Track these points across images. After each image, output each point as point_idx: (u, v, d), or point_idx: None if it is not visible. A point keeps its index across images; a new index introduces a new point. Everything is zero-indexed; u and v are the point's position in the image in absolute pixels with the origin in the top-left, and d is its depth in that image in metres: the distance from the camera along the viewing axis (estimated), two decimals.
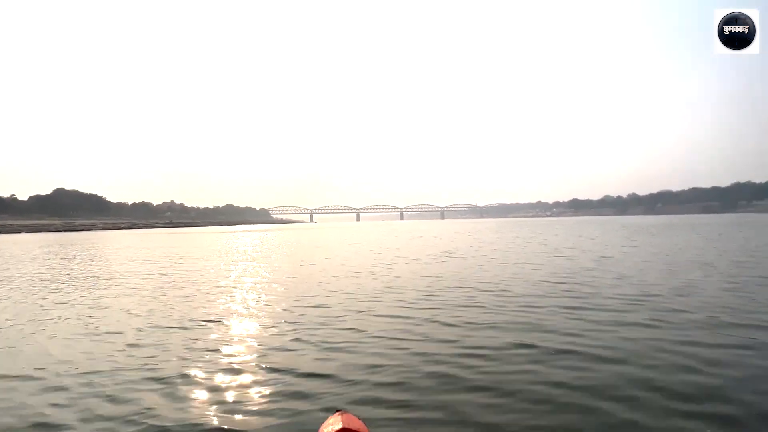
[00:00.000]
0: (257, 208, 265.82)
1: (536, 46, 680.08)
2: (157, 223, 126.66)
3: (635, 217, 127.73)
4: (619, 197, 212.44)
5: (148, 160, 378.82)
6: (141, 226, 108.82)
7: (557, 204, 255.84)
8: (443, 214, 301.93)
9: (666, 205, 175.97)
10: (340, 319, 6.37)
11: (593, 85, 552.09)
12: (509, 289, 8.44)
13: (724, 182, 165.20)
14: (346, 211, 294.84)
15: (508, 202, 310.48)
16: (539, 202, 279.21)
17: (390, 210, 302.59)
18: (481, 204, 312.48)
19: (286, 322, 6.26)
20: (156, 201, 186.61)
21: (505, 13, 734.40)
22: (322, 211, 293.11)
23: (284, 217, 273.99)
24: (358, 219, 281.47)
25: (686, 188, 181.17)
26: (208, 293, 9.01)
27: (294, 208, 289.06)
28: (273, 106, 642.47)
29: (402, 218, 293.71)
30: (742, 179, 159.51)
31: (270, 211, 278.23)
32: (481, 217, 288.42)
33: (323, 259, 16.91)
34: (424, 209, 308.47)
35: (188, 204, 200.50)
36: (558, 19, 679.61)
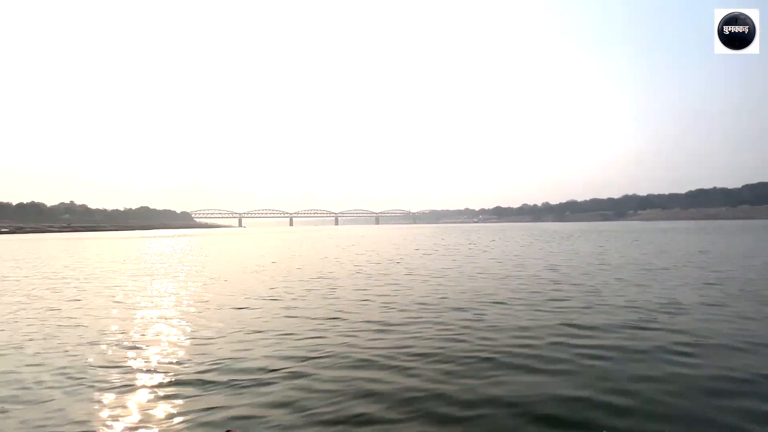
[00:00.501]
0: (178, 211, 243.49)
1: (465, 57, 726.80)
2: (51, 227, 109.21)
3: (548, 223, 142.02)
4: (535, 205, 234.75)
5: (41, 155, 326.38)
6: (28, 230, 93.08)
7: (483, 211, 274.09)
8: (378, 219, 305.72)
9: (573, 213, 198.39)
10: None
11: (517, 103, 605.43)
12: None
13: (618, 194, 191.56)
14: (279, 215, 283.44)
15: (438, 208, 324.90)
16: (467, 209, 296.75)
17: (324, 215, 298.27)
18: (414, 210, 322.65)
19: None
20: (51, 201, 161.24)
21: (444, 25, 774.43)
22: (253, 215, 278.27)
23: (210, 221, 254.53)
24: (291, 224, 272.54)
25: (588, 199, 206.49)
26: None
27: (221, 212, 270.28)
28: (203, 106, 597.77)
29: (337, 223, 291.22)
30: (631, 192, 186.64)
31: (193, 215, 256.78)
32: (414, 222, 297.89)
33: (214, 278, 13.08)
34: (359, 214, 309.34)
35: (94, 205, 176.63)
36: (492, 34, 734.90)
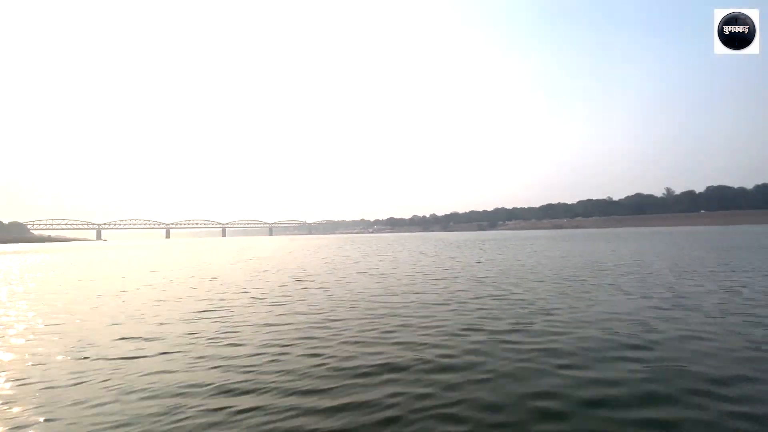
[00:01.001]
0: (5, 222, 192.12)
1: (362, 67, 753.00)
2: None
3: (436, 233, 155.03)
4: (424, 216, 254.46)
5: None
6: None
7: (377, 222, 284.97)
8: (271, 230, 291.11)
9: (456, 223, 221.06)
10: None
11: (407, 119, 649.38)
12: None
13: (491, 207, 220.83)
14: (152, 226, 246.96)
15: (335, 218, 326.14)
16: (363, 220, 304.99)
17: (210, 225, 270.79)
18: (310, 220, 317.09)
19: None
20: None
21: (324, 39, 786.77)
22: (117, 226, 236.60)
23: (55, 233, 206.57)
24: (167, 235, 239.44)
25: (468, 211, 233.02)
26: None
27: (73, 222, 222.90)
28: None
29: (224, 234, 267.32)
30: (501, 205, 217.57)
31: (29, 226, 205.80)
32: (310, 233, 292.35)
33: None
34: (250, 225, 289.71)
35: None
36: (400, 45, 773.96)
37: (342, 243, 57.85)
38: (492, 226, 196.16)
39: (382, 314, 7.49)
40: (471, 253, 25.14)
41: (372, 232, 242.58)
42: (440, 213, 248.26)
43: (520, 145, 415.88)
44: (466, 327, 6.28)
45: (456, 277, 12.60)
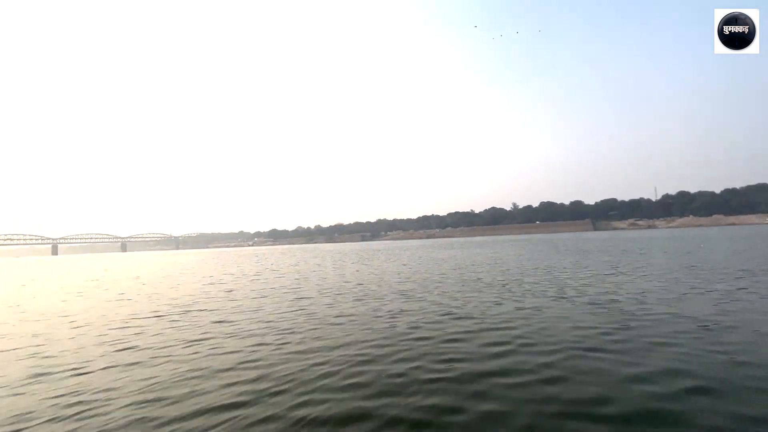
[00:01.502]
0: None
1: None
2: None
3: (322, 244, 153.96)
4: (309, 228, 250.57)
5: None
6: None
7: (258, 234, 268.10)
8: (124, 245, 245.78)
9: (340, 234, 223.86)
10: None
11: (290, 130, 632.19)
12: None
13: (374, 218, 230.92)
14: None
15: (208, 231, 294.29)
16: (241, 232, 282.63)
17: (37, 241, 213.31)
18: (176, 233, 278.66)
19: None
20: None
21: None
22: None
23: None
24: None
25: (352, 222, 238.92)
26: None
27: None
28: None
29: (56, 252, 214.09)
30: (389, 217, 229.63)
31: None
32: (177, 247, 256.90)
33: None
34: (95, 239, 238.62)
35: None
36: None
37: (200, 259, 52.67)
38: (375, 236, 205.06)
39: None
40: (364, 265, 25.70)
41: (252, 245, 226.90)
42: (325, 224, 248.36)
43: (398, 160, 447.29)
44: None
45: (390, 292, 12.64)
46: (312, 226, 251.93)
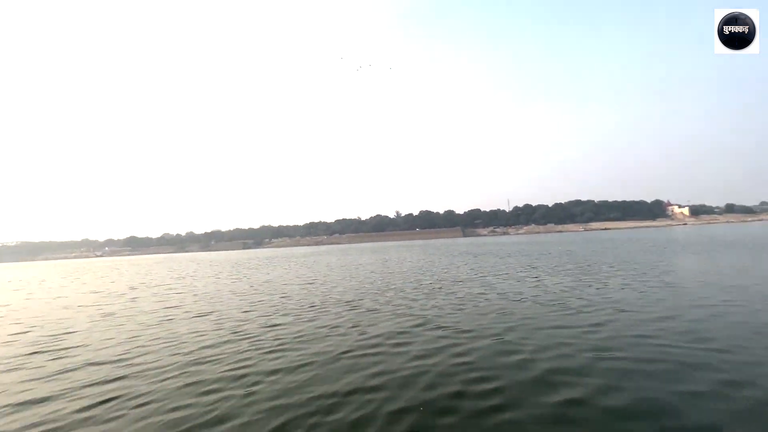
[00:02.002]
0: None
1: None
2: None
3: (194, 253, 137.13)
4: (179, 235, 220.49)
5: None
6: None
7: (110, 242, 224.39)
8: None
9: (218, 242, 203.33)
10: None
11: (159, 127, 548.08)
12: None
13: (257, 225, 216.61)
14: None
15: (36, 239, 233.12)
16: (86, 240, 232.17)
17: None
18: None
19: None
20: None
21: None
22: None
23: None
24: None
25: (232, 228, 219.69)
26: None
27: None
28: None
29: None
30: (274, 223, 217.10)
31: None
32: None
33: None
34: None
35: None
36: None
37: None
38: (258, 244, 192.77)
39: None
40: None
41: (101, 256, 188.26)
42: (199, 231, 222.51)
43: (284, 166, 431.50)
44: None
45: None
46: (183, 233, 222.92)
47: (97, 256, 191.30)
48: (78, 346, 7.34)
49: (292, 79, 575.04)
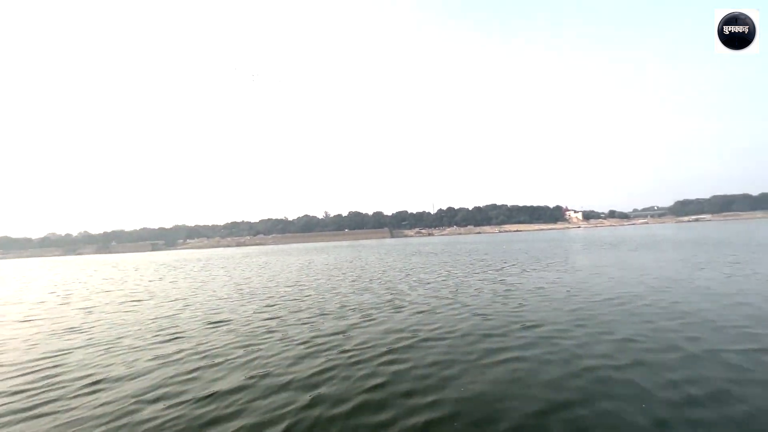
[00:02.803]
0: None
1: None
2: None
3: (88, 256, 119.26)
4: (69, 235, 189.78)
5: None
6: None
7: None
8: None
9: (120, 242, 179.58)
10: None
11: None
12: None
13: (170, 224, 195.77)
14: None
15: None
16: None
17: None
18: None
19: None
20: None
21: None
22: None
23: None
24: None
25: (139, 228, 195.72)
26: None
27: None
28: None
29: None
30: (189, 223, 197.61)
31: None
32: None
33: None
34: None
35: None
36: None
37: None
38: (171, 245, 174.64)
39: None
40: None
41: None
42: (96, 231, 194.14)
43: (202, 164, 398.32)
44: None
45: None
46: (75, 233, 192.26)
47: None
48: None
49: (214, 72, 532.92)
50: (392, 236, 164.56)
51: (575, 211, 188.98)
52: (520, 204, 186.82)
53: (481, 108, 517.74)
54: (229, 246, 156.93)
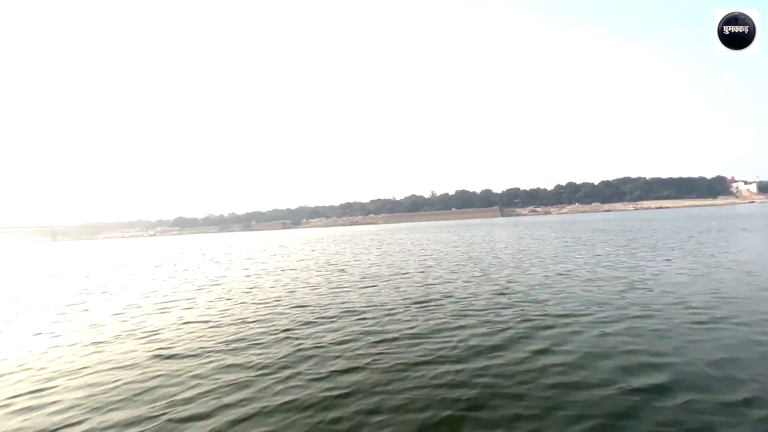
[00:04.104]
0: None
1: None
2: None
3: (237, 233, 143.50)
4: (222, 216, 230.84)
5: None
6: None
7: (161, 222, 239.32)
8: None
9: (258, 222, 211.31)
10: None
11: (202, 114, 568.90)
12: None
13: (294, 205, 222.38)
14: None
15: (94, 220, 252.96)
16: (140, 221, 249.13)
17: None
18: (55, 223, 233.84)
19: None
20: None
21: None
22: None
23: None
24: None
25: (271, 209, 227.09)
26: None
27: None
28: None
29: None
30: (304, 203, 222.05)
31: None
32: (54, 239, 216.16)
33: None
34: None
35: None
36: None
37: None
38: (296, 224, 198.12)
39: None
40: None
41: (153, 236, 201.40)
42: (241, 212, 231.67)
43: (320, 147, 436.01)
44: None
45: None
46: (225, 214, 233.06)
47: (150, 235, 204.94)
48: None
49: (328, 59, 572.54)
50: (502, 215, 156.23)
51: (746, 183, 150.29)
52: (663, 176, 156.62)
53: (600, 65, 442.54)
54: (344, 225, 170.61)
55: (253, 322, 6.91)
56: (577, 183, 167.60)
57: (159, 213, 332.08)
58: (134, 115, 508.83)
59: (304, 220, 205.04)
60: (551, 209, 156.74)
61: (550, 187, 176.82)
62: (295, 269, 14.82)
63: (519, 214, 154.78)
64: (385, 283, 10.37)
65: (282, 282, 11.62)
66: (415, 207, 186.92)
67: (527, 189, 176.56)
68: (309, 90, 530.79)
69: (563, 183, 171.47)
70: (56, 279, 16.51)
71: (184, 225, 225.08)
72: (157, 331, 6.70)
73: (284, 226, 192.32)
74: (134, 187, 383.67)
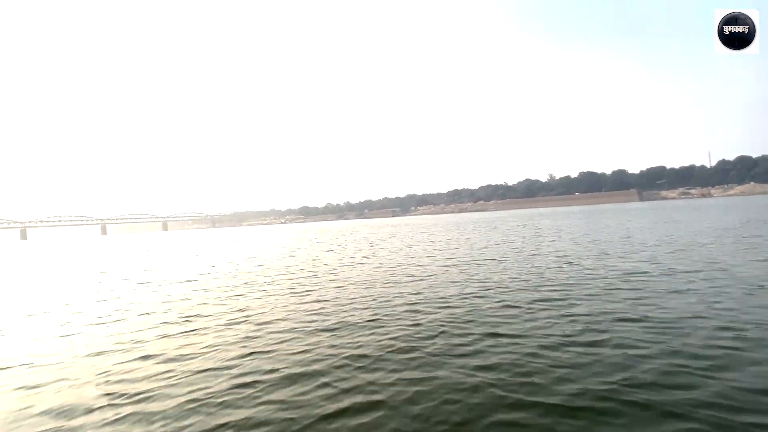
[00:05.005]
0: None
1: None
2: None
3: (352, 220, 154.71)
4: (338, 205, 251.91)
5: None
6: None
7: (290, 211, 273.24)
8: (165, 224, 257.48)
9: (370, 210, 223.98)
10: None
11: (311, 108, 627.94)
12: None
13: (403, 193, 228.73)
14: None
15: (242, 209, 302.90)
16: (273, 210, 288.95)
17: (85, 221, 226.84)
18: (213, 212, 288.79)
19: None
20: None
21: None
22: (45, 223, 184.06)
23: None
24: (24, 237, 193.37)
25: (381, 198, 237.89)
26: None
27: None
28: None
29: (105, 232, 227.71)
30: (412, 192, 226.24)
31: None
32: (214, 226, 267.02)
33: None
34: (135, 219, 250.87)
35: None
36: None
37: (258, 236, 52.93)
38: (405, 211, 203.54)
39: None
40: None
41: (284, 223, 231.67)
42: (354, 200, 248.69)
43: (427, 134, 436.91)
44: None
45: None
46: (341, 203, 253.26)
47: (281, 222, 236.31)
48: None
49: (430, 48, 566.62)
50: (641, 199, 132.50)
51: None
52: None
53: None
54: (453, 212, 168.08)
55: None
56: (753, 157, 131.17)
57: (287, 202, 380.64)
58: (261, 120, 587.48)
59: (413, 208, 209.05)
60: (713, 191, 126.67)
61: (709, 163, 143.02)
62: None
63: (665, 198, 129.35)
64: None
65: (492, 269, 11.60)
66: (530, 192, 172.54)
67: (676, 167, 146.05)
68: (409, 82, 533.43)
69: (729, 158, 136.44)
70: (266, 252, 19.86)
71: (307, 213, 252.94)
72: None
73: (393, 214, 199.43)
74: (269, 181, 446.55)
